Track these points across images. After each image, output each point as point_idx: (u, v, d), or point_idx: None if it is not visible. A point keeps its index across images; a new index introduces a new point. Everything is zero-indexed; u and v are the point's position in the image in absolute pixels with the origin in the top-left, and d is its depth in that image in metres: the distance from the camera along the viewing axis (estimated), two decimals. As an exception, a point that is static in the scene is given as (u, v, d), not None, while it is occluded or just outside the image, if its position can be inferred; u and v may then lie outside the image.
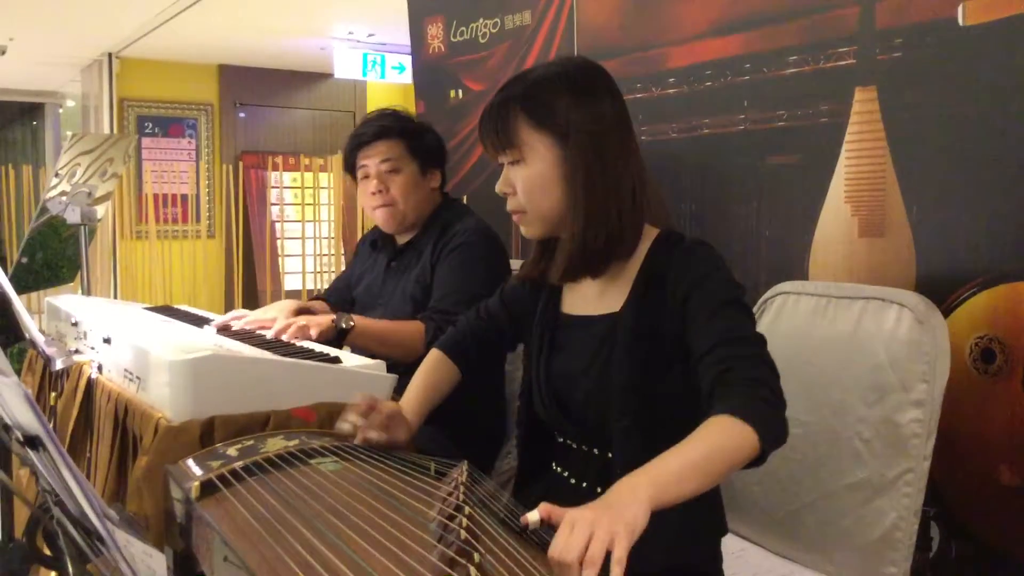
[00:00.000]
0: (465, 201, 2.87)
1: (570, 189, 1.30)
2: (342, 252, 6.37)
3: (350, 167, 2.25)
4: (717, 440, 1.06)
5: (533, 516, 0.99)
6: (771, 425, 1.10)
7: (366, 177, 2.21)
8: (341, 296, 2.39)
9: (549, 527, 0.98)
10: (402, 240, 2.26)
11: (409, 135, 2.18)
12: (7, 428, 1.03)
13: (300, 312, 2.14)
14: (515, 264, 2.42)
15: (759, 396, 1.12)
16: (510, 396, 2.29)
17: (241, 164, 6.89)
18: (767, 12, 1.93)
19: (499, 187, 1.37)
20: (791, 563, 1.59)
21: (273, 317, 2.02)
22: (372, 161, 2.18)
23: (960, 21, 1.60)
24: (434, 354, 1.61)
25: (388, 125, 2.18)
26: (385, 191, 2.18)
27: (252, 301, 6.75)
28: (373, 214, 2.25)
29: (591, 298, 1.40)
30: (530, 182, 1.33)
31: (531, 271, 1.44)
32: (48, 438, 0.88)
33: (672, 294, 1.28)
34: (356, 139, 2.22)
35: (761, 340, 1.22)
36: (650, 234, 1.37)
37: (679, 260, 1.29)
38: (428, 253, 2.15)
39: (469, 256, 2.09)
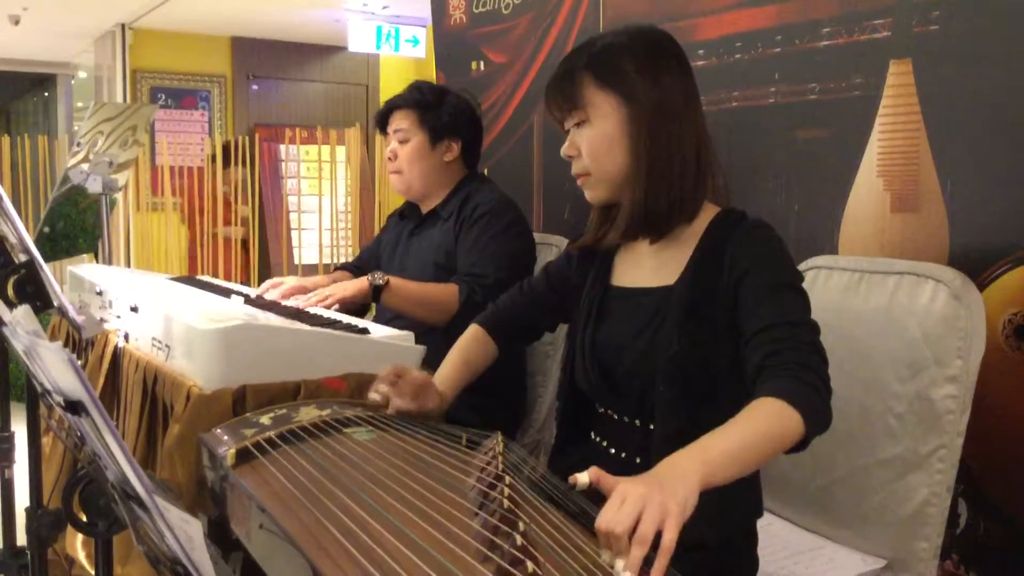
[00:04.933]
0: (486, 172, 2.86)
1: (634, 149, 1.32)
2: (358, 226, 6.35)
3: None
4: (765, 423, 1.06)
5: (583, 478, 0.99)
6: (817, 412, 1.10)
7: (389, 143, 2.32)
8: (368, 265, 2.43)
9: (595, 493, 0.98)
10: (426, 208, 2.32)
11: (423, 107, 2.24)
12: (48, 392, 1.03)
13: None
14: (537, 238, 2.41)
15: (807, 381, 1.11)
16: (532, 370, 2.29)
17: (258, 136, 6.85)
18: (800, -17, 1.89)
19: (564, 150, 1.39)
20: (821, 538, 1.59)
21: (312, 286, 2.14)
22: (391, 129, 2.29)
23: (1000, -8, 1.57)
24: (472, 329, 1.62)
25: (407, 96, 2.27)
26: (395, 158, 2.28)
27: (266, 274, 6.74)
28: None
29: (645, 270, 1.40)
30: (595, 143, 1.34)
31: (590, 239, 1.45)
32: (92, 403, 0.87)
33: (728, 271, 1.28)
34: (383, 108, 2.32)
35: (815, 327, 1.22)
36: (709, 211, 1.37)
37: (739, 238, 1.29)
38: (452, 222, 2.21)
39: (493, 222, 2.15)
